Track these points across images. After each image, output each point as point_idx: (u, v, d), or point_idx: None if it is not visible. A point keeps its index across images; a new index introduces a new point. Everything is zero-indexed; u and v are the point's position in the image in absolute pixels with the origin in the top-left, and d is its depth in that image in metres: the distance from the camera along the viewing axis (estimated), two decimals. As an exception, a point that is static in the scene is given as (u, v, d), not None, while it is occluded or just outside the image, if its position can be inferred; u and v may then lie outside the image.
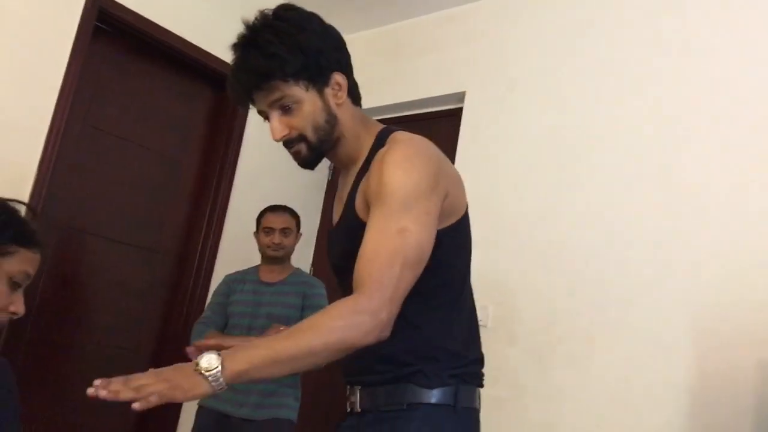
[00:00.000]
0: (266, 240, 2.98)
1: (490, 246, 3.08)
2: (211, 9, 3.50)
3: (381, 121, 1.51)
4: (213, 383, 1.07)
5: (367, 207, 1.30)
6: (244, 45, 1.34)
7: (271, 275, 2.99)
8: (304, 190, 3.86)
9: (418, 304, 1.27)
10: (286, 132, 1.36)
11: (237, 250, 3.52)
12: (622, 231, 2.76)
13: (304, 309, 2.87)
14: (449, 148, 3.42)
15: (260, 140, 3.68)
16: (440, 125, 3.59)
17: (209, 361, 1.07)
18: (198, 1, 3.47)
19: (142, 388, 1.03)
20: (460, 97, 3.49)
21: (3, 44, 2.79)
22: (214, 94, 3.68)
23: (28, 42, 2.86)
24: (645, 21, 2.96)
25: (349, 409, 1.39)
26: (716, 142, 2.64)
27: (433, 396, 1.27)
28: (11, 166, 2.79)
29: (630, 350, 2.62)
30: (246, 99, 1.39)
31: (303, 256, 3.82)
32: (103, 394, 1.02)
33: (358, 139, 1.42)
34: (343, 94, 1.39)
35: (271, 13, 1.36)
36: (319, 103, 1.36)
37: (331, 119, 1.37)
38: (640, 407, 2.54)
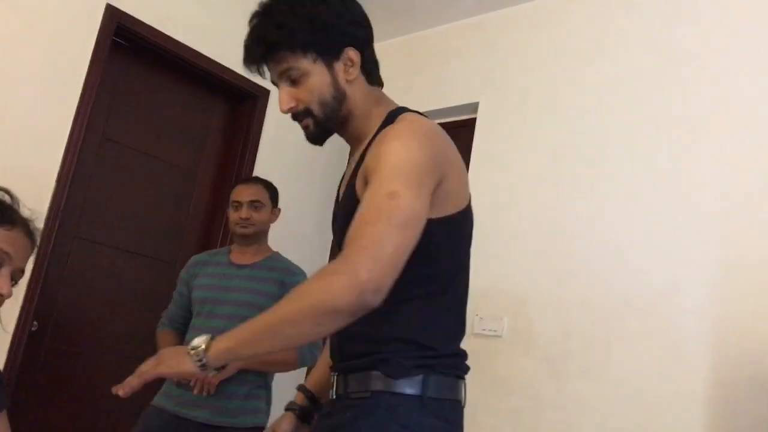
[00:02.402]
0: (234, 215, 2.59)
1: (505, 256, 3.08)
2: (225, 23, 3.53)
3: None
4: (197, 362, 1.16)
5: (366, 185, 1.25)
6: (258, 14, 1.33)
7: (243, 257, 2.60)
8: (318, 201, 3.87)
9: (398, 292, 1.20)
10: (292, 104, 1.34)
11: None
12: (639, 240, 2.75)
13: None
14: (464, 158, 3.42)
15: (275, 152, 3.71)
16: (455, 135, 3.58)
17: (197, 341, 1.17)
18: (213, 15, 3.51)
19: (141, 368, 1.20)
20: (474, 107, 3.50)
21: (23, 58, 2.84)
22: (229, 107, 3.72)
23: (47, 56, 2.90)
24: (658, 31, 2.96)
25: (329, 397, 1.37)
26: (731, 152, 2.63)
27: (398, 385, 1.23)
28: (31, 177, 2.83)
29: (647, 360, 2.60)
30: (257, 68, 1.36)
31: (316, 269, 3.82)
32: (122, 392, 1.18)
33: (368, 118, 1.39)
34: (355, 71, 1.36)
35: None
36: (327, 77, 1.33)
37: (339, 95, 1.34)
38: (658, 418, 2.52)
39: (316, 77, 1.32)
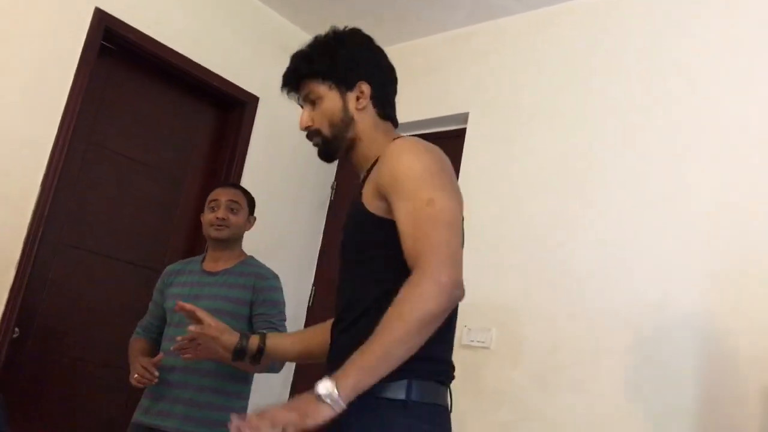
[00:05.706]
0: (210, 216, 2.52)
1: (494, 267, 3.06)
2: (215, 29, 3.52)
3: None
4: (334, 406, 1.20)
5: (378, 197, 1.41)
6: (297, 51, 1.61)
7: (215, 264, 2.53)
8: (307, 211, 3.85)
9: (384, 299, 1.29)
10: (309, 123, 1.57)
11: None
12: (628, 254, 2.74)
13: (254, 305, 2.42)
14: (454, 168, 3.41)
15: (264, 159, 3.69)
16: (444, 146, 3.57)
17: (326, 387, 1.21)
18: (202, 21, 3.48)
19: (277, 420, 1.20)
20: (464, 117, 3.49)
21: (9, 62, 2.81)
22: (217, 113, 3.69)
23: (33, 60, 2.87)
24: (648, 42, 2.96)
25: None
26: (724, 166, 2.63)
27: (383, 389, 1.29)
28: (15, 182, 2.79)
29: (636, 374, 2.59)
30: (288, 91, 1.62)
31: (304, 278, 3.80)
32: (246, 431, 1.20)
33: (374, 143, 1.56)
34: (365, 101, 1.55)
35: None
36: (339, 102, 1.54)
37: (347, 119, 1.54)
38: (646, 432, 2.51)
39: (330, 102, 1.55)
